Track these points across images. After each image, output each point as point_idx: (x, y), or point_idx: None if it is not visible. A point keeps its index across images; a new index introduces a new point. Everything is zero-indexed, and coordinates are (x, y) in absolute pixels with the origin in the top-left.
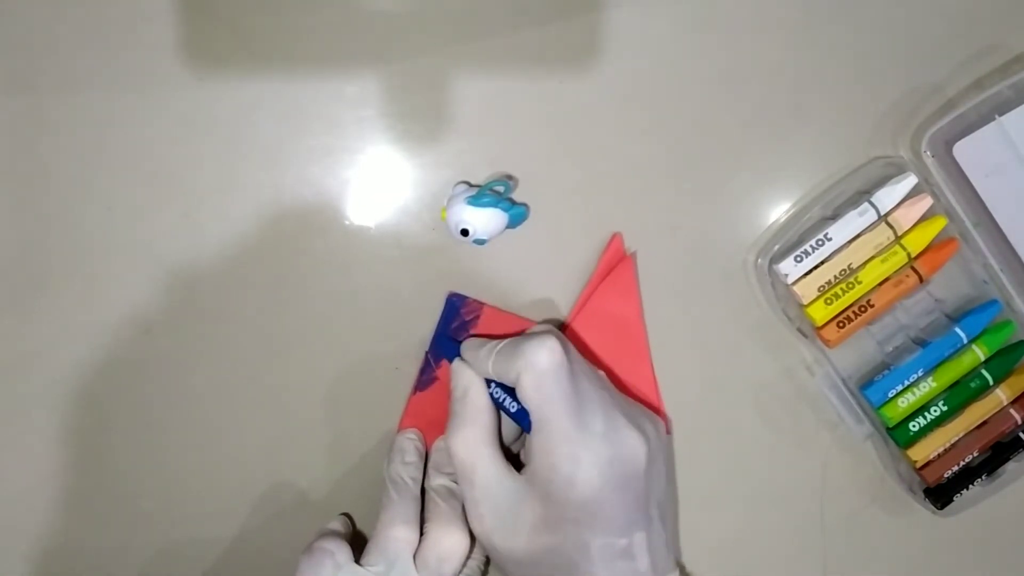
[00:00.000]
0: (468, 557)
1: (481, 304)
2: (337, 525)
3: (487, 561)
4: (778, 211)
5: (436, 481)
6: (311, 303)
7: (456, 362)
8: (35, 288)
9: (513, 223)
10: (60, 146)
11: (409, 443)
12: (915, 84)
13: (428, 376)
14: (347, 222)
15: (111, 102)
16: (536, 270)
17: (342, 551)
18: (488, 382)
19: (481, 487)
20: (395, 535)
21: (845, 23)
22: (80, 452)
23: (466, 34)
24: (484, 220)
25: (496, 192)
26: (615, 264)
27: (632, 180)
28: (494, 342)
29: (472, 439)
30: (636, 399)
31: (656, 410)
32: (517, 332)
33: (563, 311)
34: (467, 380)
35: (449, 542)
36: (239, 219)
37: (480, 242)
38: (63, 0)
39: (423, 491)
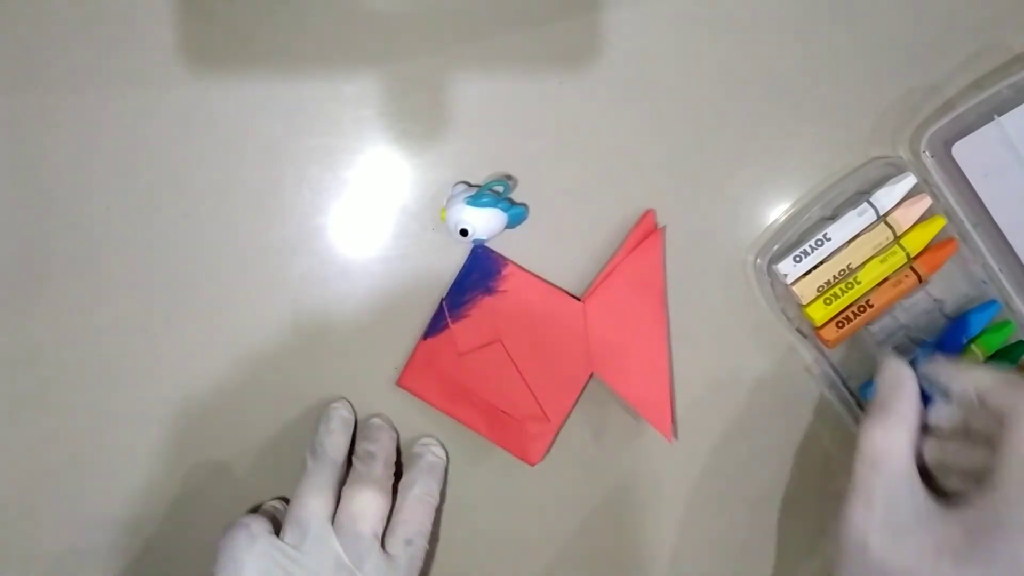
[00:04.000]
0: (388, 517)
1: (507, 260)
2: (268, 505)
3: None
4: (777, 211)
5: (360, 446)
6: (310, 302)
7: (892, 356)
8: (35, 288)
9: (512, 223)
10: (60, 146)
11: (335, 412)
12: (914, 84)
13: (440, 325)
14: (346, 222)
15: (111, 102)
16: (535, 270)
17: (258, 523)
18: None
19: (887, 479)
20: (307, 503)
21: (844, 23)
22: (79, 452)
23: (466, 34)
24: (483, 220)
25: (495, 192)
26: (644, 238)
27: (631, 180)
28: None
29: (895, 431)
30: (647, 386)
31: (664, 400)
32: (542, 297)
33: None
34: (903, 375)
35: (359, 500)
36: (239, 219)
37: (479, 242)
38: (62, 0)
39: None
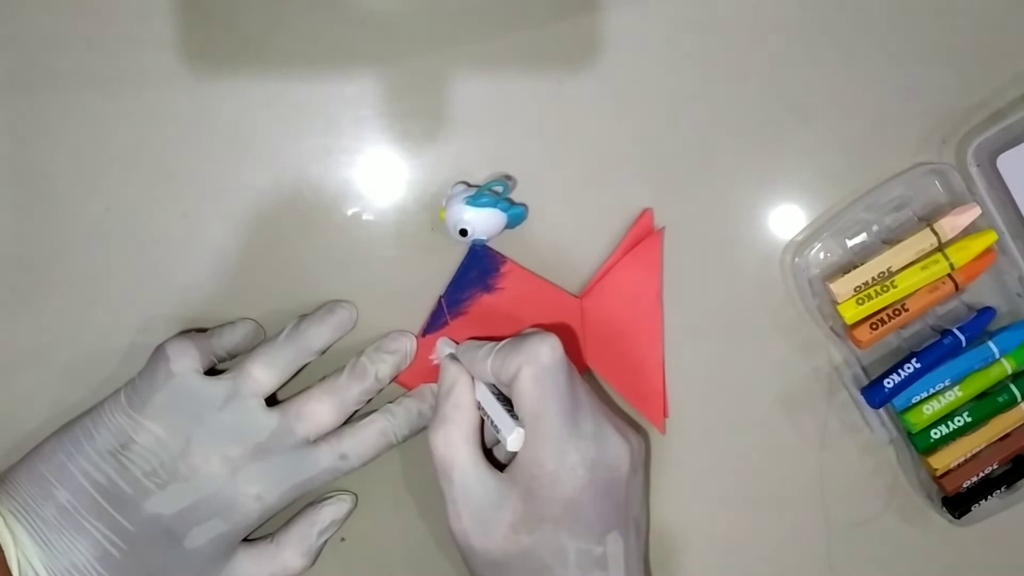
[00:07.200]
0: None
1: (505, 258)
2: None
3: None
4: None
5: (365, 355)
6: (310, 304)
7: (445, 359)
8: (35, 288)
9: (512, 223)
10: (60, 146)
11: (338, 309)
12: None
13: (439, 322)
14: (346, 222)
15: (111, 102)
16: (535, 270)
17: (188, 360)
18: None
19: (460, 485)
20: (252, 372)
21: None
22: None
23: (465, 34)
24: (483, 220)
25: (495, 192)
26: (642, 238)
27: (631, 180)
28: (493, 343)
29: (453, 437)
30: (641, 380)
31: (658, 394)
32: (540, 293)
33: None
34: (453, 377)
35: (315, 407)
36: (239, 219)
37: (479, 242)
38: (63, 0)
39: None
